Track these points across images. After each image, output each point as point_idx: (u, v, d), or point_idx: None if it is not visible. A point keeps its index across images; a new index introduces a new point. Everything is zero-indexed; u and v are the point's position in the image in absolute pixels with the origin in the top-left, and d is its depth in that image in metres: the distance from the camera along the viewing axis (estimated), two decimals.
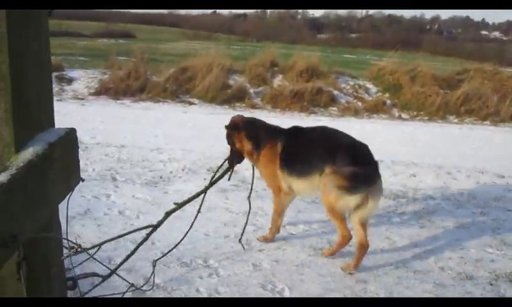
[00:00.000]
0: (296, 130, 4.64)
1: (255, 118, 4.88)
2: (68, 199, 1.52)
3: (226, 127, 4.66)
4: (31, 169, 1.19)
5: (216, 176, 4.52)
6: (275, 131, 4.65)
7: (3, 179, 1.10)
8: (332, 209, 4.20)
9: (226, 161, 4.71)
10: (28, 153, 1.23)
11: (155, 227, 3.88)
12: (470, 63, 18.51)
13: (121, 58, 15.01)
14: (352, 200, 4.09)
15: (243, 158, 4.67)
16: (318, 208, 5.65)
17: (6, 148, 1.21)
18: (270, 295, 3.72)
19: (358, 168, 4.09)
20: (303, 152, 4.42)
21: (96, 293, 3.58)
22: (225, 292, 3.72)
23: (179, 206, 4.17)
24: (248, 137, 4.56)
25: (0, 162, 1.20)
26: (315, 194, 4.58)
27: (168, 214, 4.04)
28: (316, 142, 4.42)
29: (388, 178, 6.71)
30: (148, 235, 3.84)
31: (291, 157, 4.44)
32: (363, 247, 4.22)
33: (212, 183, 4.47)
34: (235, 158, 4.64)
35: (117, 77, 13.33)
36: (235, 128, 4.62)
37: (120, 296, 3.44)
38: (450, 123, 12.70)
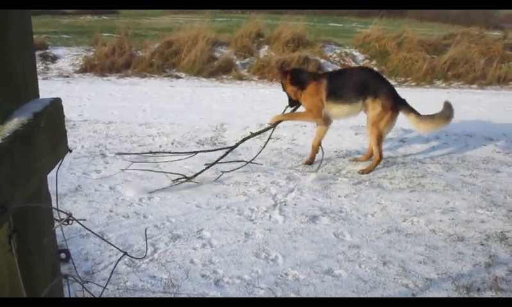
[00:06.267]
0: (335, 72, 6.65)
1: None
2: (57, 171, 1.49)
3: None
4: (17, 138, 1.17)
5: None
6: (316, 74, 6.38)
7: None
8: (380, 132, 5.84)
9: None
10: (13, 124, 1.21)
11: (232, 148, 5.85)
12: (456, 28, 18.48)
13: (106, 34, 14.81)
14: (395, 119, 5.92)
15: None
16: (308, 177, 5.66)
17: None
18: (264, 263, 3.74)
19: (396, 96, 5.92)
20: (347, 86, 5.92)
21: (89, 266, 3.59)
22: (219, 262, 3.73)
23: (253, 134, 5.98)
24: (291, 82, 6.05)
25: None
26: (352, 117, 6.16)
27: (243, 139, 5.92)
28: (355, 78, 5.96)
29: None
30: (227, 152, 5.82)
31: (336, 90, 5.89)
32: (381, 159, 5.97)
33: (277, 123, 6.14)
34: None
35: (102, 54, 13.19)
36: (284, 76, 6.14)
37: (114, 274, 3.44)
38: (437, 87, 12.72)
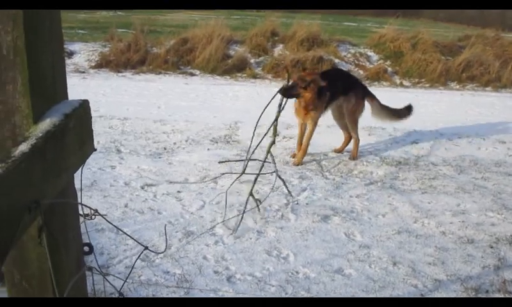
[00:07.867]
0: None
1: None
2: (82, 168, 1.58)
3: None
4: (49, 138, 1.25)
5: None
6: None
7: (24, 148, 1.15)
8: (355, 117, 6.38)
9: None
10: (46, 124, 1.28)
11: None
12: (472, 29, 18.38)
13: (121, 30, 14.92)
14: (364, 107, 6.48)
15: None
16: (321, 176, 5.72)
17: (24, 119, 1.26)
18: (275, 261, 3.81)
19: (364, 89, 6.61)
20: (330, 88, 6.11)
21: (104, 260, 3.68)
22: (231, 259, 3.81)
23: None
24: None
25: (20, 133, 1.26)
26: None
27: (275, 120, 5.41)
28: (336, 81, 6.24)
29: (390, 145, 6.79)
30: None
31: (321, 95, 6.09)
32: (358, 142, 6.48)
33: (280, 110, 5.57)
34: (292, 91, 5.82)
35: (117, 50, 13.27)
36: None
37: (133, 272, 3.53)
38: (451, 89, 12.68)
